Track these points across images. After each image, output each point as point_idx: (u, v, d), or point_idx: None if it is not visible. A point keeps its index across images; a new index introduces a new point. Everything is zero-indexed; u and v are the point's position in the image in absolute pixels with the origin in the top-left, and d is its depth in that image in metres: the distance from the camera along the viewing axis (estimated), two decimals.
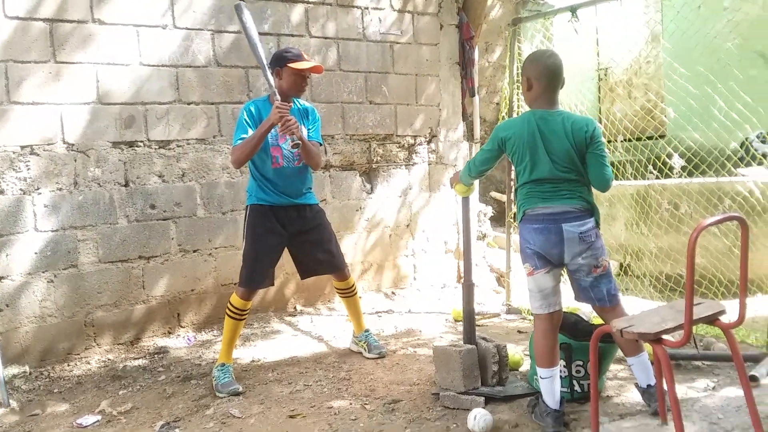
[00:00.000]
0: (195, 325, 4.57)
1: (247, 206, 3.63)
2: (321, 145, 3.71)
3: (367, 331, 4.06)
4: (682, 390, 3.05)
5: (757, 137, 5.41)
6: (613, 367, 3.39)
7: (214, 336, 4.45)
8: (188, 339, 4.41)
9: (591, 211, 2.77)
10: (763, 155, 5.13)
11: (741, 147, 5.13)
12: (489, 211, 6.79)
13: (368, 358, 3.91)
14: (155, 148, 4.35)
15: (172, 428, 3.08)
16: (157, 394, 3.56)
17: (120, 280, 4.27)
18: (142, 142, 4.30)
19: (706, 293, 4.56)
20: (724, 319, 2.38)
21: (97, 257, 4.19)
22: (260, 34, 3.50)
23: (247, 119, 3.46)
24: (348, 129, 5.21)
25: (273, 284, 3.75)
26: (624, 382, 3.27)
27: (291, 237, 3.65)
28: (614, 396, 3.10)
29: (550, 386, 2.77)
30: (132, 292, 4.31)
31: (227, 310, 3.59)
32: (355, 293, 4.00)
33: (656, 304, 4.65)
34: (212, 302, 4.63)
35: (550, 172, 2.72)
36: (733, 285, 4.43)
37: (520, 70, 4.42)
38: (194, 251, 4.55)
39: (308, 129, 3.62)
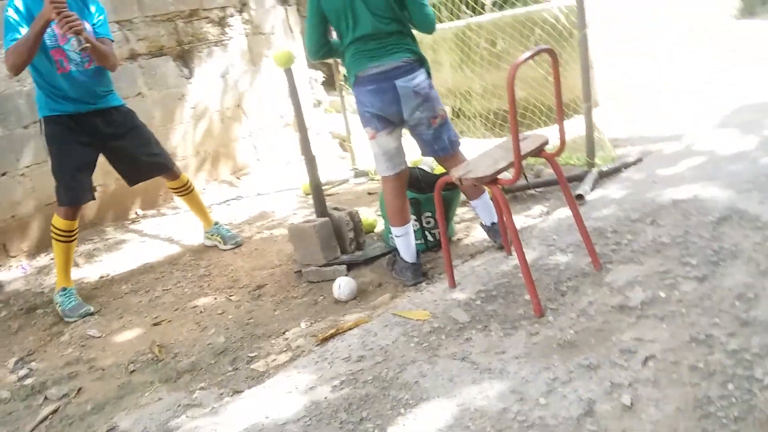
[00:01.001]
0: (26, 252, 4.18)
1: (40, 119, 3.20)
2: (112, 41, 3.26)
3: (216, 223, 3.93)
4: (520, 220, 3.31)
5: None
6: (459, 211, 3.59)
7: (52, 260, 4.10)
8: (22, 268, 4.04)
9: (421, 62, 2.74)
10: None
11: None
12: (319, 76, 6.62)
13: (225, 250, 3.83)
14: None
15: (27, 363, 2.90)
16: (2, 331, 3.29)
17: None
18: None
19: (531, 124, 4.86)
20: (549, 148, 2.54)
21: None
22: None
23: (15, 17, 2.93)
24: (146, 10, 4.68)
25: (93, 198, 3.44)
26: (470, 223, 3.49)
27: (103, 145, 3.32)
28: (463, 238, 3.31)
29: (405, 242, 2.87)
30: None
31: (53, 234, 3.29)
32: (192, 189, 3.80)
33: (489, 141, 4.92)
34: (40, 225, 4.21)
35: (374, 27, 2.62)
36: (554, 111, 4.75)
37: None
38: (2, 174, 4.04)
39: (93, 24, 3.16)
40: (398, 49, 2.67)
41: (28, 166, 4.15)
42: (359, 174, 4.98)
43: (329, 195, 4.61)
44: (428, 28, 2.75)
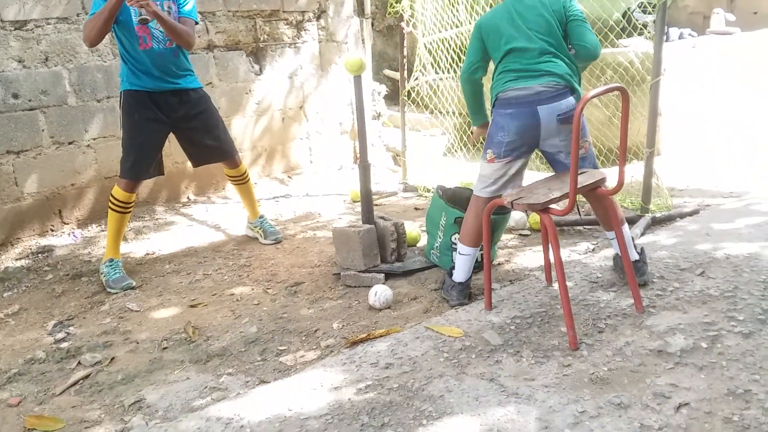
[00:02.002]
0: (80, 221, 4.33)
1: (121, 92, 3.35)
2: (197, 23, 3.40)
3: (261, 217, 4.00)
4: (565, 254, 3.27)
5: (638, 6, 5.54)
6: (504, 237, 3.57)
7: (102, 231, 4.24)
8: (74, 236, 4.19)
9: (570, 89, 2.55)
10: (643, 25, 5.29)
11: (623, 17, 5.25)
12: (383, 89, 6.69)
13: (265, 244, 3.89)
14: (11, 30, 3.86)
15: (65, 326, 2.98)
16: (46, 293, 3.40)
17: None
18: None
19: None
20: (605, 186, 2.51)
21: None
22: None
23: None
24: (230, 5, 4.84)
25: (162, 173, 3.57)
26: (513, 250, 3.46)
27: (175, 124, 3.44)
28: (504, 263, 3.28)
29: (467, 263, 2.80)
30: (4, 189, 3.97)
31: (110, 203, 3.40)
32: (248, 180, 3.89)
33: (542, 174, 4.88)
34: (96, 196, 4.37)
35: (528, 40, 2.54)
36: (613, 153, 4.70)
37: None
38: (70, 143, 4.21)
39: (180, 5, 3.30)
40: (546, 72, 2.53)
41: (94, 138, 4.31)
42: (408, 189, 5.00)
43: (376, 205, 4.64)
44: (588, 55, 2.59)
